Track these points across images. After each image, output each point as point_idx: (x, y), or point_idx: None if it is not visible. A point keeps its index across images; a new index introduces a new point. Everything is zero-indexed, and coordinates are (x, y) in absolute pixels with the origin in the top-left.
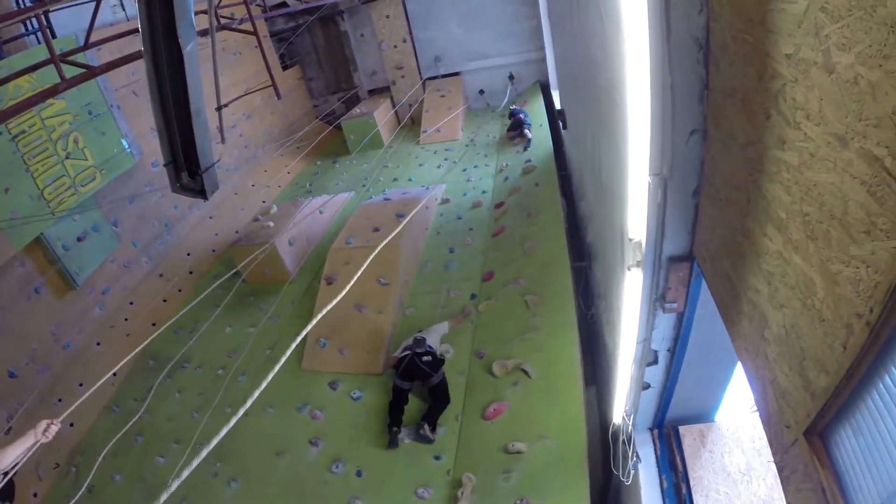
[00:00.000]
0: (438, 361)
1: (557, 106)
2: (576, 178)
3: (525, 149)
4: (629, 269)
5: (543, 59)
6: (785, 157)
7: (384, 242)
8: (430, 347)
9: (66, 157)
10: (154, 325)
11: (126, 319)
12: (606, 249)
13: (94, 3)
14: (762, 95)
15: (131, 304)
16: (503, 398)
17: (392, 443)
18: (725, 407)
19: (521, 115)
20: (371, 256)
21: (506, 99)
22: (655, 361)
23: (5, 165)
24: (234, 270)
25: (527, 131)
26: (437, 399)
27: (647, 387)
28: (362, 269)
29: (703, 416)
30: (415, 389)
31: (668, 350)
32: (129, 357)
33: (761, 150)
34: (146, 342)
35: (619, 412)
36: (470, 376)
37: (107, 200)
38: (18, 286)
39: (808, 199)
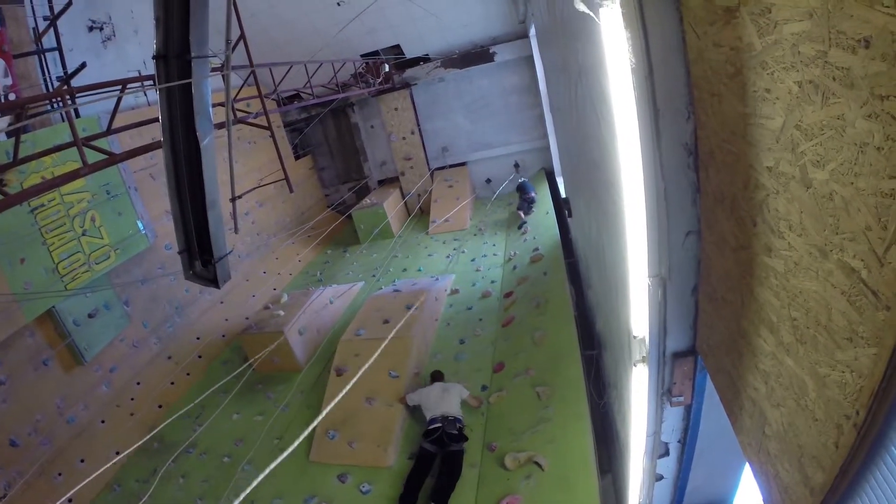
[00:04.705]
0: (464, 437)
1: (562, 193)
2: (583, 266)
3: (529, 209)
4: (635, 365)
5: (548, 147)
6: (772, 264)
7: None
8: (459, 424)
9: (83, 234)
10: (160, 407)
11: (132, 399)
12: (614, 341)
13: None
14: (748, 203)
15: (138, 384)
16: (516, 491)
17: None
18: (742, 492)
19: (526, 183)
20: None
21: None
22: (667, 453)
23: (23, 236)
24: (248, 363)
25: (529, 203)
26: (449, 469)
27: (660, 478)
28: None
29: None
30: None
31: (678, 441)
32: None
33: (751, 254)
34: (157, 429)
35: (633, 503)
36: (482, 469)
37: (120, 280)
38: (27, 356)
39: (795, 305)
